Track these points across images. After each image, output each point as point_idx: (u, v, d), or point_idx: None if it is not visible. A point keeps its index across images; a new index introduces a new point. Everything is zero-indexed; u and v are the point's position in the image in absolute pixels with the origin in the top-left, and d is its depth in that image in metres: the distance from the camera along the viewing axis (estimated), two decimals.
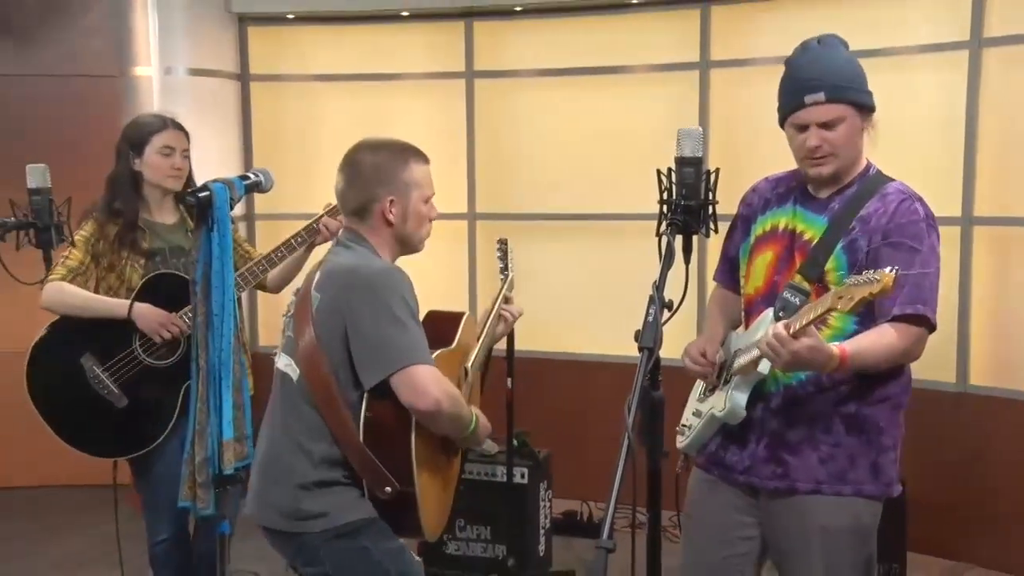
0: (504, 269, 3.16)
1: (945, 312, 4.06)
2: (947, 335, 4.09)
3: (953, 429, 4.13)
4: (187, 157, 3.13)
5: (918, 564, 3.96)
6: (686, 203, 2.20)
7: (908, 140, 4.04)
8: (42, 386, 2.98)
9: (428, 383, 2.20)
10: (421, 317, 2.35)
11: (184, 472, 2.27)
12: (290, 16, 5.05)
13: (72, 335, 2.96)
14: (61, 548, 4.46)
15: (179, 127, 3.13)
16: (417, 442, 2.28)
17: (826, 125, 2.22)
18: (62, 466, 4.99)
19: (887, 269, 1.88)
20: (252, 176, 2.37)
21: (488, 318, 2.82)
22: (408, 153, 2.43)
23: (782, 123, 2.31)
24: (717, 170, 2.24)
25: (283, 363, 2.39)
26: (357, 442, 2.27)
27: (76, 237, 2.99)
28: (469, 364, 2.64)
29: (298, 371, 2.33)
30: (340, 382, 2.28)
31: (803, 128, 2.24)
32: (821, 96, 2.20)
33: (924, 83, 4.19)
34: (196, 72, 4.84)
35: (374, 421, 2.27)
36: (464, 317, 2.64)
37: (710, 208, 2.24)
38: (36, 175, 3.04)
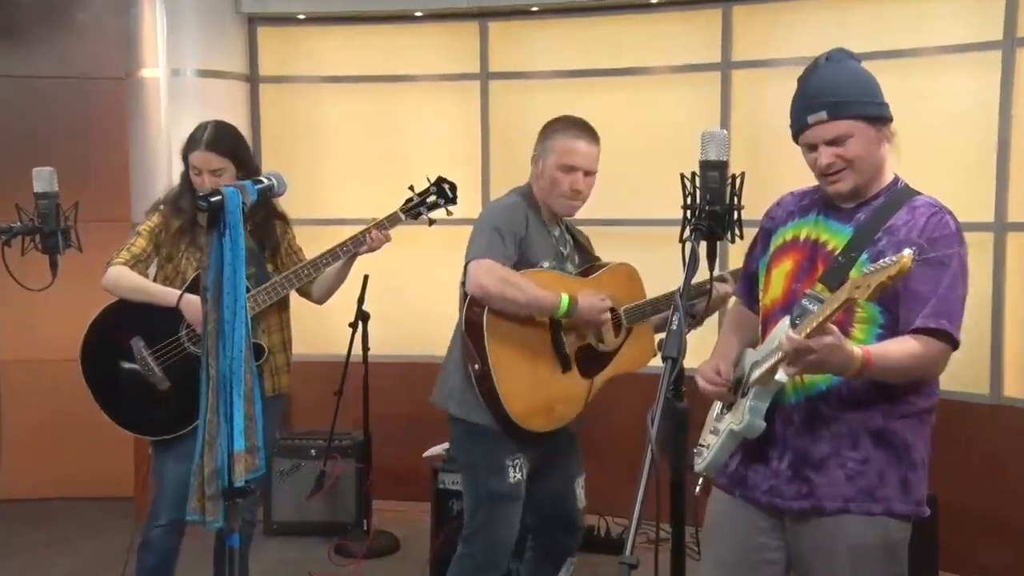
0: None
1: (978, 321, 4.03)
2: (980, 345, 4.00)
3: (987, 441, 4.03)
4: (219, 176, 3.08)
5: None
6: (711, 208, 2.17)
7: (939, 143, 3.97)
8: (93, 359, 3.17)
9: (478, 273, 2.85)
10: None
11: (193, 484, 2.23)
12: (301, 17, 4.99)
13: (126, 317, 3.15)
14: (69, 560, 4.40)
15: (212, 147, 3.09)
16: (489, 328, 2.89)
17: (834, 142, 2.20)
18: (76, 478, 4.99)
19: (905, 251, 1.85)
20: (265, 180, 2.34)
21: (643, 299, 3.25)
22: (563, 127, 3.08)
23: (796, 141, 2.32)
24: (743, 174, 2.20)
25: None
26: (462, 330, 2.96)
27: (142, 227, 3.18)
28: (622, 309, 3.14)
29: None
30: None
31: (813, 147, 2.24)
32: (823, 115, 2.19)
33: (955, 84, 4.10)
34: (204, 73, 4.77)
35: (468, 314, 2.95)
36: (617, 264, 3.24)
37: (735, 213, 2.19)
38: (43, 179, 3.00)
